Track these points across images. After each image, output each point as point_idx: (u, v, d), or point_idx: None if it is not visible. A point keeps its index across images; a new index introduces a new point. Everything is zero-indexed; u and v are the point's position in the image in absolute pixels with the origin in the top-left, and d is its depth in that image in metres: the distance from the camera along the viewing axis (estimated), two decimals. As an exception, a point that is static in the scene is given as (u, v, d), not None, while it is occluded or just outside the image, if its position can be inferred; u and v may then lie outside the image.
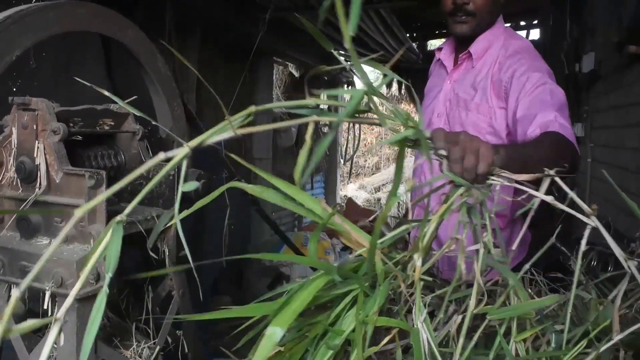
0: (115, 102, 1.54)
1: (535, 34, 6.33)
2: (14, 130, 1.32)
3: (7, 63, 1.33)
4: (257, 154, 6.12)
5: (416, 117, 0.83)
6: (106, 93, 0.73)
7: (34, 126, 1.29)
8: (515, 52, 1.61)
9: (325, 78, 8.10)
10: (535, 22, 6.19)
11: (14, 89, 3.02)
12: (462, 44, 1.75)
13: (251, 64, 4.68)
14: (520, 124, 1.49)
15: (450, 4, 1.65)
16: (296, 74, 7.50)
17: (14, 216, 1.35)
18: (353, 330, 0.84)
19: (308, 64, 6.96)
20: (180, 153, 0.55)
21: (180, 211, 1.50)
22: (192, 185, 0.81)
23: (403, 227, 1.05)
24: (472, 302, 0.82)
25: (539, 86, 1.50)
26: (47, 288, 1.24)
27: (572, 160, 1.32)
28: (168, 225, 1.47)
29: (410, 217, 1.93)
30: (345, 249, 6.39)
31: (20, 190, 1.34)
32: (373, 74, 14.74)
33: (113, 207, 1.38)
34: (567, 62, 4.23)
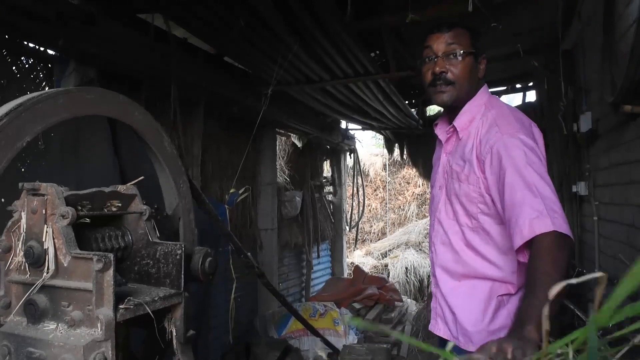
0: (122, 183, 1.56)
1: (531, 95, 6.47)
2: (23, 215, 1.33)
3: (18, 149, 1.37)
4: (263, 225, 6.13)
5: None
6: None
7: (43, 211, 1.30)
8: (490, 126, 1.65)
9: (328, 147, 8.22)
10: (531, 84, 6.33)
11: (22, 170, 3.08)
12: (451, 117, 1.82)
13: (254, 135, 4.78)
14: (506, 219, 1.53)
15: (430, 75, 1.75)
16: (299, 144, 7.62)
17: (22, 301, 1.34)
18: None
19: (310, 133, 7.09)
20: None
21: (187, 290, 1.50)
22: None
23: None
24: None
25: (514, 173, 1.51)
26: (54, 375, 1.22)
27: (570, 251, 1.40)
28: (175, 304, 1.46)
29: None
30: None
31: (28, 275, 1.34)
32: (374, 139, 14.98)
33: (120, 288, 1.38)
34: (565, 122, 4.29)
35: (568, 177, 4.53)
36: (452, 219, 1.76)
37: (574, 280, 0.90)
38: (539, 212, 1.41)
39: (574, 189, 4.31)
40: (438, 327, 1.85)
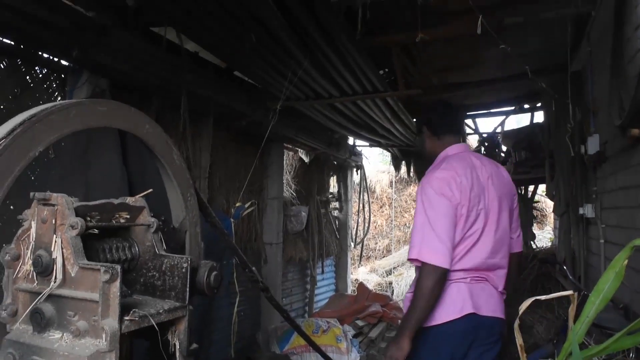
0: (130, 194, 1.58)
1: (539, 115, 6.45)
2: (33, 224, 1.35)
3: (30, 158, 1.38)
4: (268, 239, 6.13)
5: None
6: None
7: (53, 221, 1.32)
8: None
9: (335, 163, 8.24)
10: (539, 104, 6.32)
11: (32, 178, 3.10)
12: None
13: (262, 149, 4.80)
14: None
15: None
16: (306, 159, 7.64)
17: (28, 309, 1.35)
18: None
19: (317, 149, 7.10)
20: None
21: (192, 303, 1.50)
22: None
23: None
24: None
25: (417, 209, 2.27)
26: (58, 384, 1.22)
27: (438, 275, 2.12)
28: (180, 317, 1.47)
29: None
30: (357, 335, 6.23)
31: (35, 283, 1.35)
32: (381, 156, 14.98)
33: (126, 299, 1.39)
34: (573, 144, 4.29)
35: (575, 199, 4.51)
36: None
37: (542, 297, 0.94)
38: (416, 243, 2.17)
39: (581, 211, 4.29)
40: None
